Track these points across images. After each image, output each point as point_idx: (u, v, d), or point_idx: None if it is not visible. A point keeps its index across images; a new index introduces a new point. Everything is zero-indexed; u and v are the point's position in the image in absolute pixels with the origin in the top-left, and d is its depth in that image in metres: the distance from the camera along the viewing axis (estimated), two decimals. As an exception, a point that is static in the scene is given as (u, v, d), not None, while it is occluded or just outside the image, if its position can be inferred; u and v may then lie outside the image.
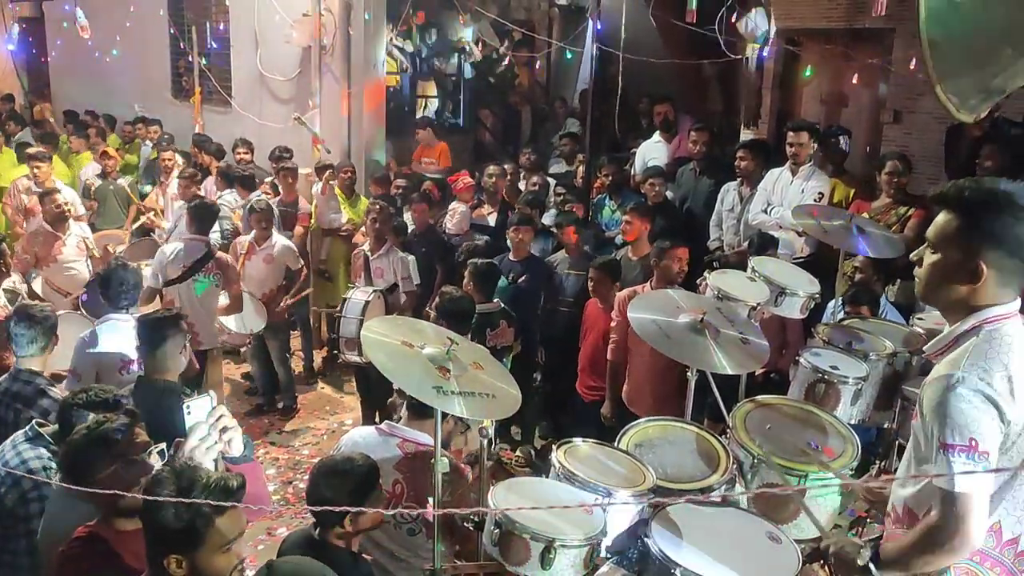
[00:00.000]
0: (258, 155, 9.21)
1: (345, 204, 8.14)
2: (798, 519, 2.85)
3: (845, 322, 4.12)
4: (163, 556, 2.04)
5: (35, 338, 4.07)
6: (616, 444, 2.99)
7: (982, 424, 2.12)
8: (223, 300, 6.36)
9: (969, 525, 2.13)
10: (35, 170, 7.96)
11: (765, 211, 6.12)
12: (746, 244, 5.94)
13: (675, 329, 3.33)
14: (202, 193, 8.18)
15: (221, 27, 10.79)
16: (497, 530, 2.43)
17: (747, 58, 8.82)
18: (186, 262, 6.10)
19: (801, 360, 3.44)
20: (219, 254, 6.28)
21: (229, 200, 8.19)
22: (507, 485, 2.64)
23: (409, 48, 11.05)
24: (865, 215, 5.40)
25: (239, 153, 9.07)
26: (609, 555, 2.66)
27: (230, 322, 6.53)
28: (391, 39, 9.80)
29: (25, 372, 4.00)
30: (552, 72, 12.37)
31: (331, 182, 8.04)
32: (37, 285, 6.77)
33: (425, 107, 11.62)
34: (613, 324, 5.35)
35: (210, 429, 2.49)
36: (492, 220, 7.60)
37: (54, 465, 3.20)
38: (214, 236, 7.18)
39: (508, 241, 6.45)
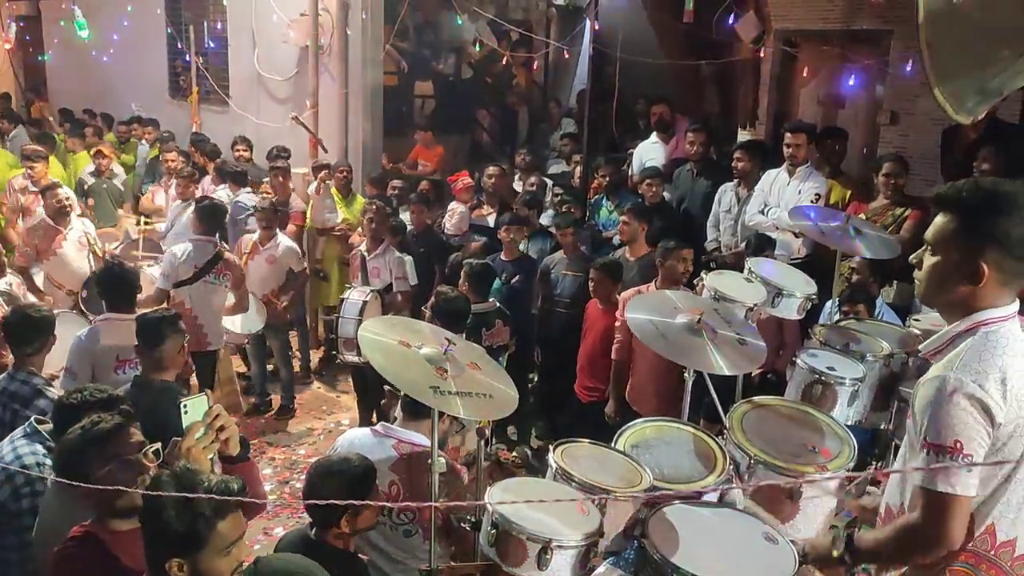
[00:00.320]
0: (256, 155, 9.21)
1: (341, 204, 8.14)
2: (795, 519, 2.85)
3: (842, 323, 4.12)
4: (165, 560, 2.04)
5: (32, 338, 4.07)
6: (613, 445, 2.99)
7: (969, 428, 2.13)
8: (229, 300, 6.35)
9: (948, 526, 2.14)
10: (30, 169, 7.94)
11: (762, 212, 6.13)
12: (743, 245, 5.95)
13: (672, 330, 3.33)
14: (199, 193, 8.17)
15: (218, 26, 10.77)
16: (494, 530, 2.43)
17: (744, 59, 8.83)
18: (197, 263, 6.07)
19: (798, 361, 3.44)
20: (226, 255, 6.27)
21: (222, 196, 8.19)
22: (504, 485, 2.64)
23: (407, 48, 11.04)
24: (862, 216, 5.41)
25: (239, 151, 9.07)
26: (606, 555, 2.67)
27: (229, 322, 6.52)
28: (389, 39, 9.78)
29: (22, 372, 4.00)
30: (550, 72, 12.37)
31: (327, 182, 8.03)
32: (39, 279, 6.77)
33: (423, 107, 11.61)
34: (617, 324, 5.35)
35: (207, 428, 2.49)
36: (492, 221, 7.60)
37: (49, 462, 3.20)
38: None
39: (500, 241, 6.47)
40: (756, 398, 3.27)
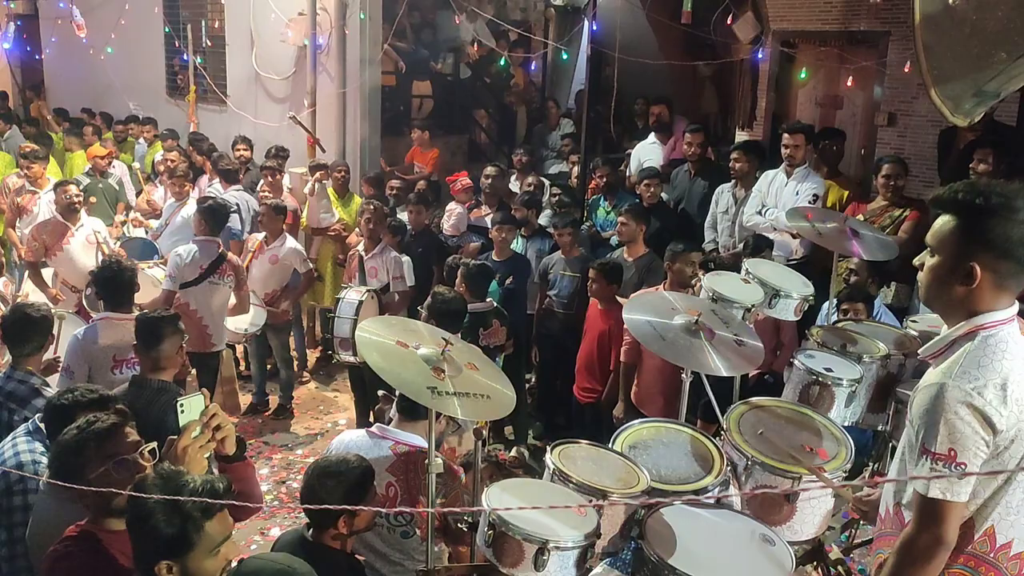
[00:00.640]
0: (255, 154, 9.20)
1: (337, 204, 8.14)
2: (792, 521, 2.86)
3: (839, 324, 4.13)
4: (154, 563, 2.03)
5: (30, 337, 4.07)
6: (610, 445, 2.99)
7: (966, 438, 2.15)
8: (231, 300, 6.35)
9: (941, 531, 2.17)
10: (26, 170, 7.93)
11: (760, 213, 6.13)
12: (741, 246, 5.95)
13: (670, 330, 3.33)
14: (196, 192, 8.19)
15: (216, 25, 10.76)
16: (491, 531, 2.43)
17: (742, 60, 8.84)
18: (202, 264, 6.06)
19: (795, 362, 3.45)
20: (229, 255, 6.26)
21: (214, 193, 8.23)
22: (501, 486, 2.64)
23: (405, 47, 11.03)
24: (860, 217, 5.42)
25: (239, 150, 9.05)
26: (603, 556, 2.67)
27: (229, 320, 6.51)
28: (387, 38, 9.78)
29: (20, 371, 3.99)
30: (548, 73, 12.37)
31: (322, 182, 8.03)
32: (48, 276, 6.77)
33: (421, 107, 11.61)
34: (626, 325, 5.35)
35: (203, 428, 2.48)
36: (490, 221, 7.59)
37: (44, 460, 3.20)
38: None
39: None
40: (753, 399, 3.28)
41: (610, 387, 5.64)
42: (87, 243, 6.85)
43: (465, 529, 2.99)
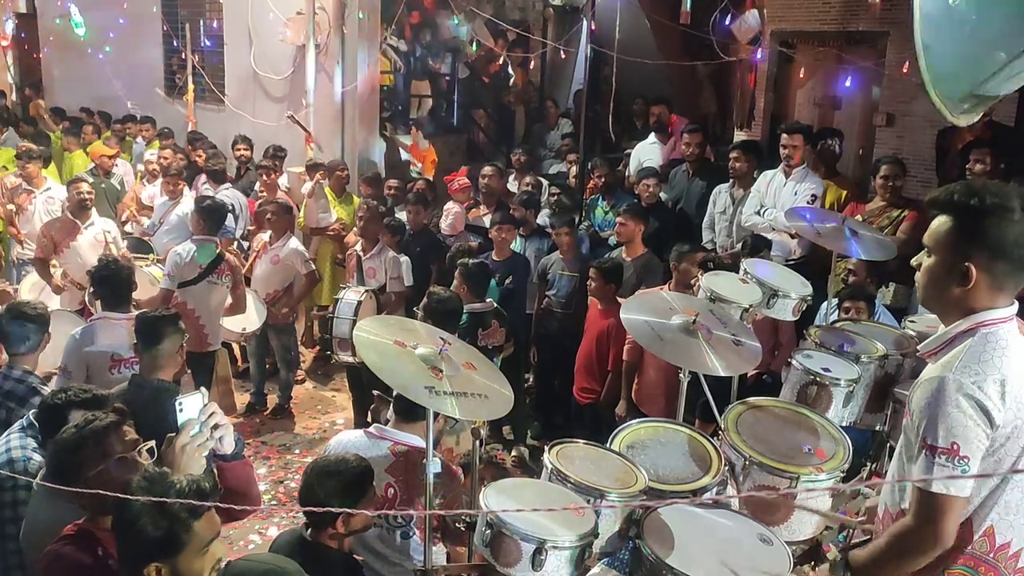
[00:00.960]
0: (254, 154, 9.20)
1: (336, 204, 8.13)
2: (789, 521, 2.85)
3: (837, 324, 4.12)
4: (143, 566, 2.03)
5: (27, 336, 4.06)
6: (608, 445, 2.99)
7: (967, 429, 2.14)
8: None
9: (942, 526, 2.16)
10: (21, 169, 7.93)
11: (758, 213, 6.13)
12: (740, 246, 5.96)
13: (668, 330, 3.32)
14: (193, 191, 8.19)
15: (215, 25, 10.75)
16: (488, 531, 2.43)
17: (741, 60, 8.84)
18: (201, 263, 6.05)
19: (793, 362, 3.45)
20: (228, 256, 6.25)
21: (208, 192, 8.26)
22: (499, 486, 2.64)
23: (403, 47, 11.03)
24: (858, 217, 5.42)
25: (239, 150, 9.05)
26: (600, 556, 2.66)
27: (228, 320, 6.51)
28: (385, 38, 9.78)
29: (17, 370, 3.99)
30: (546, 72, 12.37)
31: (321, 181, 8.03)
32: (58, 273, 6.77)
33: (419, 107, 11.61)
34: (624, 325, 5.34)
35: (201, 426, 2.48)
36: (488, 221, 7.59)
37: (35, 456, 3.19)
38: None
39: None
40: (751, 399, 3.27)
41: (609, 387, 5.64)
42: (95, 242, 6.85)
43: (463, 529, 2.98)
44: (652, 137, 8.12)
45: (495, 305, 5.71)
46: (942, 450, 2.15)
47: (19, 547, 2.95)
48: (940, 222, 2.29)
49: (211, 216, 6.24)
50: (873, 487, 2.85)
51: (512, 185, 8.50)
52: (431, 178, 9.30)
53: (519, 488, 2.70)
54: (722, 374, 3.27)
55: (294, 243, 7.02)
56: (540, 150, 10.33)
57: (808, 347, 3.63)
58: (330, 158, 8.95)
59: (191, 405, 2.48)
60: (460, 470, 3.49)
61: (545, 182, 8.41)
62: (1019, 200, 2.18)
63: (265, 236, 7.06)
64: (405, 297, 6.56)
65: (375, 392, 4.20)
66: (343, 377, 7.47)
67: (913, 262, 2.41)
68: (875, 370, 3.49)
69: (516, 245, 6.79)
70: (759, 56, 8.61)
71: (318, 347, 8.22)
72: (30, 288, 6.89)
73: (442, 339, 2.92)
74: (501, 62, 11.31)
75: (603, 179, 7.37)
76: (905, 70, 7.11)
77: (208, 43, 10.84)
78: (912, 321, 4.11)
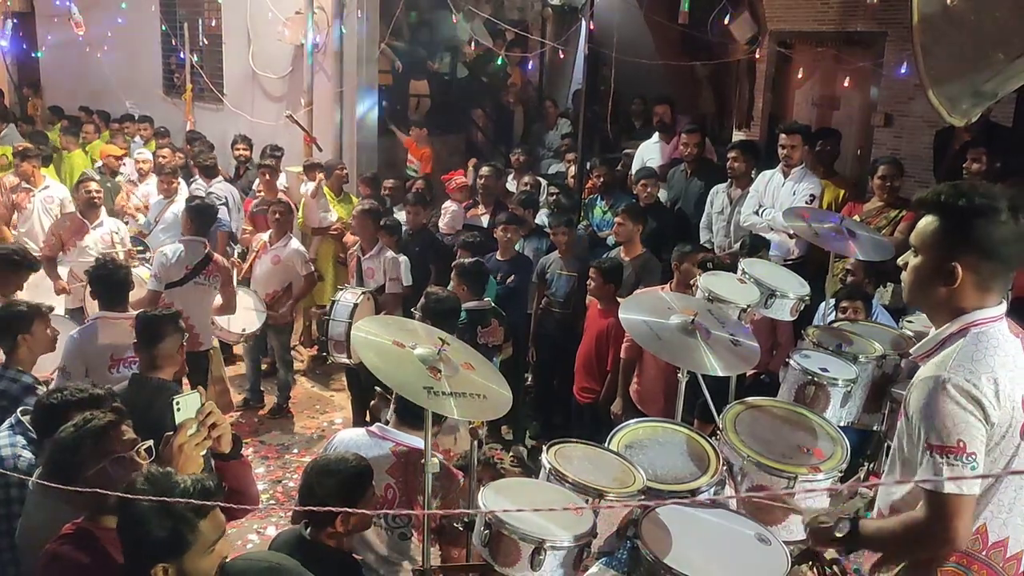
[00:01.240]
0: (252, 153, 9.21)
1: (335, 203, 8.13)
2: (787, 520, 2.86)
3: (835, 324, 4.13)
4: (149, 566, 2.03)
5: (3, 334, 4.05)
6: (606, 445, 2.99)
7: (970, 425, 2.14)
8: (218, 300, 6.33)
9: (956, 526, 2.14)
10: (16, 167, 7.94)
11: (757, 213, 6.14)
12: (738, 246, 5.96)
13: (666, 330, 3.33)
14: (184, 190, 8.21)
15: (213, 24, 10.75)
16: (487, 531, 2.43)
17: (739, 60, 8.85)
18: (188, 264, 6.02)
19: (791, 362, 3.45)
20: (216, 256, 6.23)
21: (199, 187, 8.34)
22: (497, 486, 2.64)
23: (402, 47, 11.03)
24: (856, 217, 5.43)
25: (238, 149, 9.05)
26: (599, 556, 2.67)
27: (227, 320, 6.50)
28: (383, 37, 9.78)
29: (11, 370, 3.98)
30: (545, 72, 12.37)
31: (323, 181, 8.04)
32: (64, 272, 6.78)
33: (418, 106, 11.61)
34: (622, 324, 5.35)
35: (199, 426, 2.48)
36: (485, 221, 7.60)
37: (27, 453, 3.19)
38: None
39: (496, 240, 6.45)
40: (749, 399, 3.28)
41: (608, 387, 5.64)
42: (102, 241, 6.85)
43: (461, 529, 2.99)
44: (656, 136, 8.12)
45: (492, 304, 5.71)
46: (949, 449, 2.14)
47: (12, 545, 2.95)
48: (927, 222, 2.30)
49: (199, 216, 6.23)
50: (871, 487, 2.85)
51: (511, 185, 8.50)
52: (428, 174, 9.30)
53: (518, 488, 2.71)
54: (720, 374, 3.28)
55: (295, 243, 7.02)
56: (539, 150, 10.33)
57: (806, 347, 3.64)
58: (329, 157, 8.95)
59: (189, 404, 2.49)
60: (460, 473, 3.48)
61: (544, 182, 8.41)
62: (1006, 201, 2.19)
63: (264, 236, 7.05)
64: (404, 297, 6.56)
65: (376, 389, 4.19)
66: (342, 377, 7.48)
67: (900, 262, 2.42)
68: (873, 370, 3.49)
69: (516, 245, 6.79)
70: (758, 56, 8.63)
71: (316, 347, 8.22)
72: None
73: (440, 339, 2.92)
74: (500, 62, 11.30)
75: (602, 179, 7.37)
76: (903, 70, 7.12)
77: (206, 42, 10.83)
78: (910, 321, 4.12)
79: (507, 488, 2.64)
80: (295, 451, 6.55)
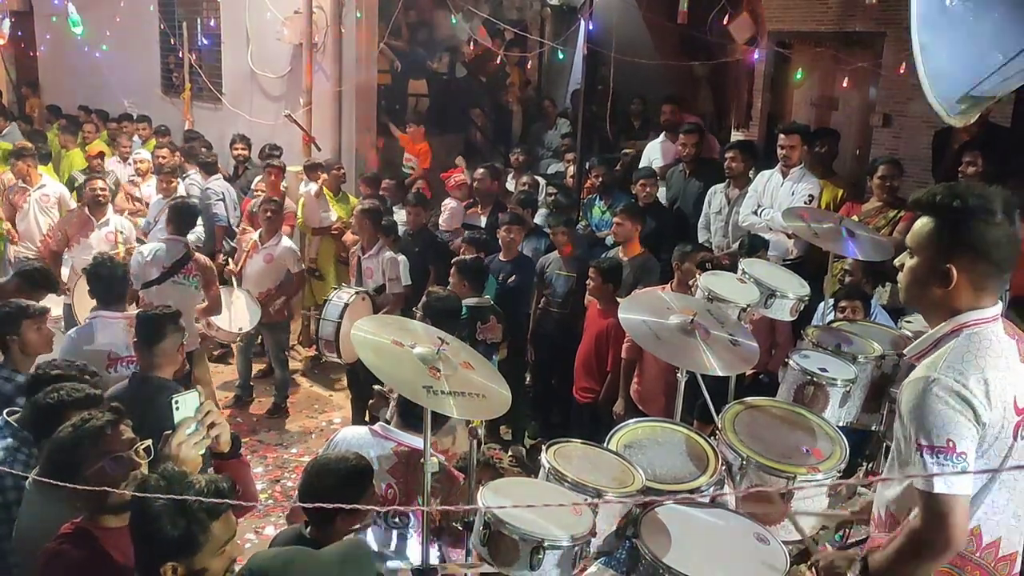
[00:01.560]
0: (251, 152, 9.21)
1: (334, 202, 8.14)
2: (786, 520, 2.86)
3: (834, 324, 4.13)
4: (160, 565, 2.03)
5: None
6: (605, 445, 2.99)
7: (959, 425, 2.14)
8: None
9: (951, 526, 2.14)
10: (12, 166, 7.95)
11: (755, 213, 6.14)
12: (736, 246, 5.97)
13: (665, 330, 3.33)
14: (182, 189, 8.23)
15: (212, 23, 10.74)
16: (486, 530, 2.43)
17: (738, 60, 8.85)
18: (165, 263, 6.01)
19: (790, 362, 3.45)
20: (197, 255, 6.22)
21: (195, 181, 8.46)
22: (496, 485, 2.64)
23: (401, 46, 11.03)
24: (855, 218, 5.42)
25: (237, 149, 9.05)
26: (597, 556, 2.67)
27: (222, 319, 6.50)
28: (382, 37, 9.77)
29: (5, 369, 3.97)
30: (544, 72, 12.37)
31: (325, 181, 8.06)
32: (66, 271, 6.81)
33: (417, 106, 11.60)
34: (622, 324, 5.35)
35: (198, 425, 2.48)
36: (482, 221, 7.60)
37: (17, 456, 3.18)
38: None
39: (499, 240, 6.44)
40: (748, 399, 3.28)
41: (608, 387, 5.65)
42: (106, 240, 6.86)
43: (460, 528, 2.98)
44: (663, 136, 8.11)
45: (492, 302, 5.71)
46: (939, 448, 2.14)
47: (10, 547, 2.94)
48: (922, 223, 2.31)
49: (179, 216, 6.22)
50: (869, 486, 2.85)
51: (510, 184, 8.51)
52: (426, 169, 9.30)
53: (517, 487, 2.71)
54: (719, 374, 3.27)
55: (287, 242, 7.04)
56: (538, 150, 10.34)
57: (805, 347, 3.63)
58: (328, 157, 8.96)
59: (188, 403, 2.49)
60: (461, 475, 3.48)
61: (542, 181, 8.41)
62: (1001, 202, 2.20)
63: (254, 236, 7.05)
64: (404, 297, 6.55)
65: (374, 387, 4.18)
66: (340, 376, 7.49)
67: (896, 262, 2.43)
68: (872, 370, 3.49)
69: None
70: (756, 56, 8.63)
71: (314, 346, 8.22)
72: None
73: (440, 338, 2.91)
74: (499, 61, 11.30)
75: (600, 179, 7.37)
76: (902, 71, 7.12)
77: (205, 42, 10.82)
78: (908, 321, 4.13)
79: (506, 488, 2.64)
80: (293, 451, 6.55)
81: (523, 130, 11.66)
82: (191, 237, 7.43)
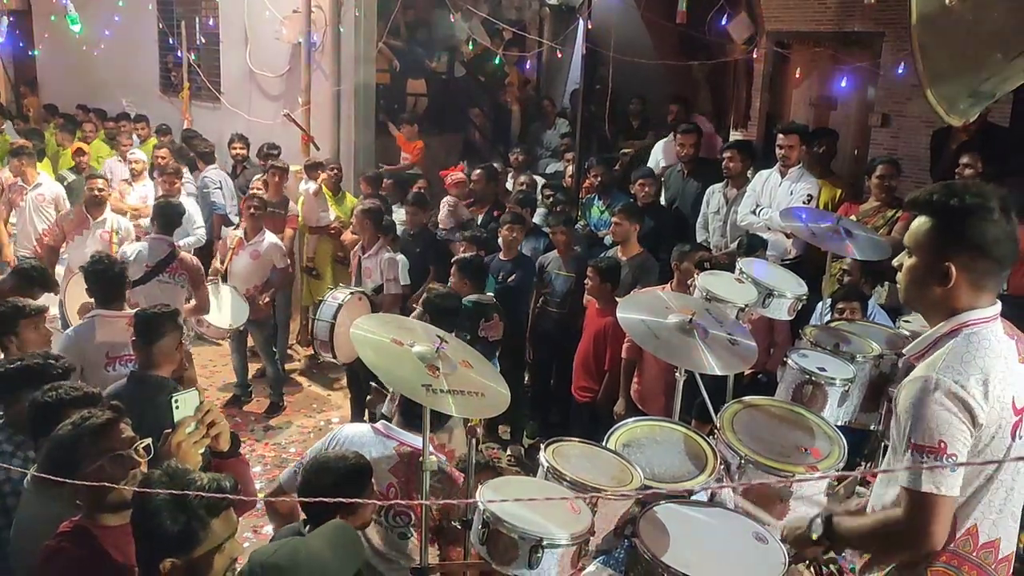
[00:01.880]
0: (249, 152, 9.20)
1: (332, 202, 8.14)
2: (784, 520, 2.86)
3: (832, 324, 4.14)
4: (158, 560, 2.03)
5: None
6: (604, 444, 2.99)
7: (953, 427, 2.15)
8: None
9: (931, 526, 2.16)
10: (11, 166, 7.97)
11: (754, 213, 6.15)
12: (734, 245, 5.97)
13: (664, 329, 3.33)
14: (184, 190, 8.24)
15: (210, 23, 10.73)
16: (485, 529, 2.43)
17: (737, 60, 8.86)
18: (149, 262, 6.00)
19: (788, 361, 3.45)
20: (183, 255, 6.20)
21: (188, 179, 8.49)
22: (495, 484, 2.64)
23: (400, 46, 11.02)
24: (853, 217, 5.43)
25: (235, 148, 9.05)
26: (596, 554, 2.67)
27: (212, 316, 6.50)
28: (381, 36, 9.77)
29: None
30: (543, 72, 12.37)
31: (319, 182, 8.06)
32: (61, 269, 6.82)
33: (415, 105, 11.60)
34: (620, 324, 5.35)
35: (197, 424, 2.48)
36: (481, 221, 7.59)
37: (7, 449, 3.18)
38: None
39: (500, 240, 6.44)
40: (747, 398, 3.29)
41: (606, 386, 5.65)
42: (100, 239, 6.87)
43: (459, 527, 2.98)
44: (671, 136, 8.11)
45: (495, 301, 5.71)
46: (929, 449, 2.15)
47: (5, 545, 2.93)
48: (920, 222, 2.31)
49: (163, 215, 6.22)
50: (867, 486, 2.86)
51: (510, 184, 8.51)
52: (421, 171, 9.31)
53: (516, 486, 2.71)
54: (718, 373, 3.28)
55: (272, 237, 7.05)
56: (537, 149, 10.34)
57: (804, 346, 3.64)
58: (327, 157, 8.96)
59: (187, 402, 2.49)
60: (462, 476, 3.48)
61: (540, 181, 8.41)
62: (998, 200, 2.20)
63: (239, 233, 7.06)
64: (403, 298, 6.55)
65: (372, 384, 4.18)
66: (339, 375, 7.49)
67: (895, 262, 2.43)
68: (870, 369, 3.50)
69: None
70: (755, 56, 8.64)
71: (312, 346, 8.23)
72: None
73: (439, 337, 2.92)
74: (497, 61, 11.30)
75: (599, 178, 7.38)
76: (901, 71, 7.13)
77: (204, 41, 10.82)
78: (907, 321, 4.13)
79: (505, 486, 2.64)
80: (292, 450, 6.55)
81: (522, 130, 11.65)
82: (191, 240, 7.50)
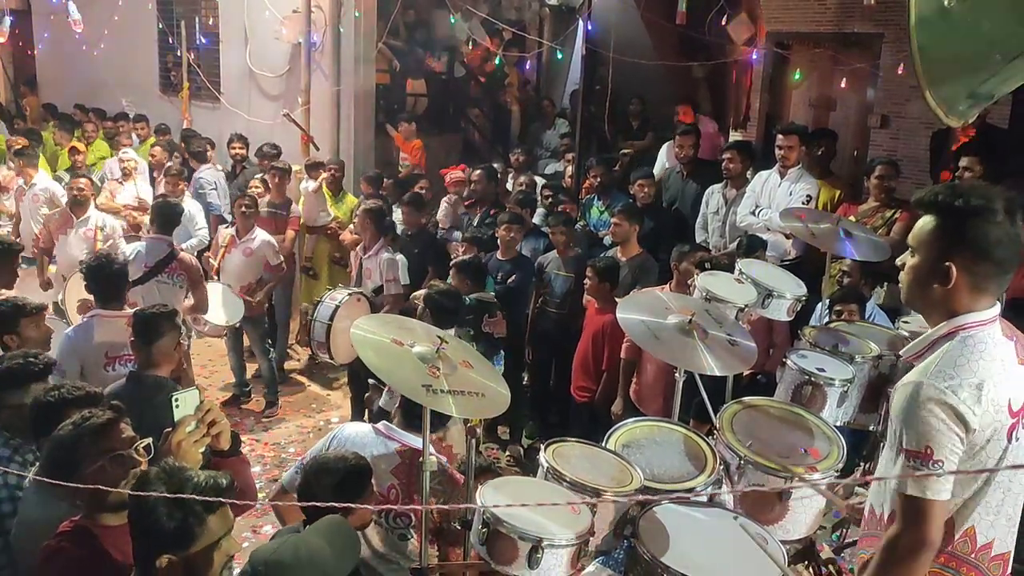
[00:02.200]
0: (249, 152, 9.19)
1: (332, 202, 8.14)
2: (784, 520, 2.87)
3: (831, 324, 4.14)
4: (155, 556, 2.04)
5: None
6: (604, 444, 3.00)
7: (941, 434, 2.16)
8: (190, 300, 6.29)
9: (924, 529, 2.17)
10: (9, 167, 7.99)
11: (753, 213, 6.15)
12: (734, 246, 5.98)
13: (664, 330, 3.34)
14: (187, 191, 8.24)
15: (210, 22, 10.74)
16: (485, 529, 2.43)
17: (736, 61, 8.87)
18: (147, 262, 5.99)
19: (788, 362, 3.46)
20: (181, 255, 6.20)
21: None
22: (495, 484, 2.64)
23: (399, 46, 11.03)
24: (852, 218, 5.44)
25: (234, 148, 9.03)
26: (596, 555, 2.67)
27: (209, 314, 6.49)
28: (381, 36, 9.77)
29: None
30: (542, 72, 12.38)
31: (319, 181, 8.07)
32: (54, 267, 6.88)
33: (415, 105, 11.60)
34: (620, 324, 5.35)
35: (198, 423, 2.49)
36: (477, 220, 7.59)
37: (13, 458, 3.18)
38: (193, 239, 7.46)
39: (498, 240, 6.44)
40: (746, 399, 3.29)
41: (604, 386, 5.65)
42: (84, 237, 6.86)
43: (459, 528, 2.98)
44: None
45: (496, 300, 5.72)
46: (915, 454, 2.17)
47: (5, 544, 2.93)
48: (924, 222, 2.32)
49: (161, 215, 6.22)
50: (866, 486, 2.86)
51: (510, 184, 8.51)
52: (423, 172, 9.30)
53: (515, 487, 2.71)
54: (717, 374, 3.28)
55: (263, 235, 7.05)
56: (537, 150, 10.34)
57: (803, 347, 3.65)
58: (326, 157, 8.95)
59: (188, 401, 2.49)
60: (463, 477, 3.49)
61: (540, 181, 8.42)
62: (1002, 202, 2.20)
63: (231, 231, 7.07)
64: (403, 298, 6.54)
65: (369, 382, 4.19)
66: (339, 375, 7.49)
67: (897, 262, 2.44)
68: (869, 370, 3.50)
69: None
70: (755, 57, 8.65)
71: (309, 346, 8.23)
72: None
73: (439, 337, 2.92)
74: (497, 61, 11.31)
75: (599, 179, 7.38)
76: (900, 72, 7.14)
77: (203, 41, 10.81)
78: (906, 321, 4.13)
79: (505, 487, 2.65)
80: (291, 450, 6.55)
81: (522, 130, 11.66)
82: (193, 241, 7.51)
